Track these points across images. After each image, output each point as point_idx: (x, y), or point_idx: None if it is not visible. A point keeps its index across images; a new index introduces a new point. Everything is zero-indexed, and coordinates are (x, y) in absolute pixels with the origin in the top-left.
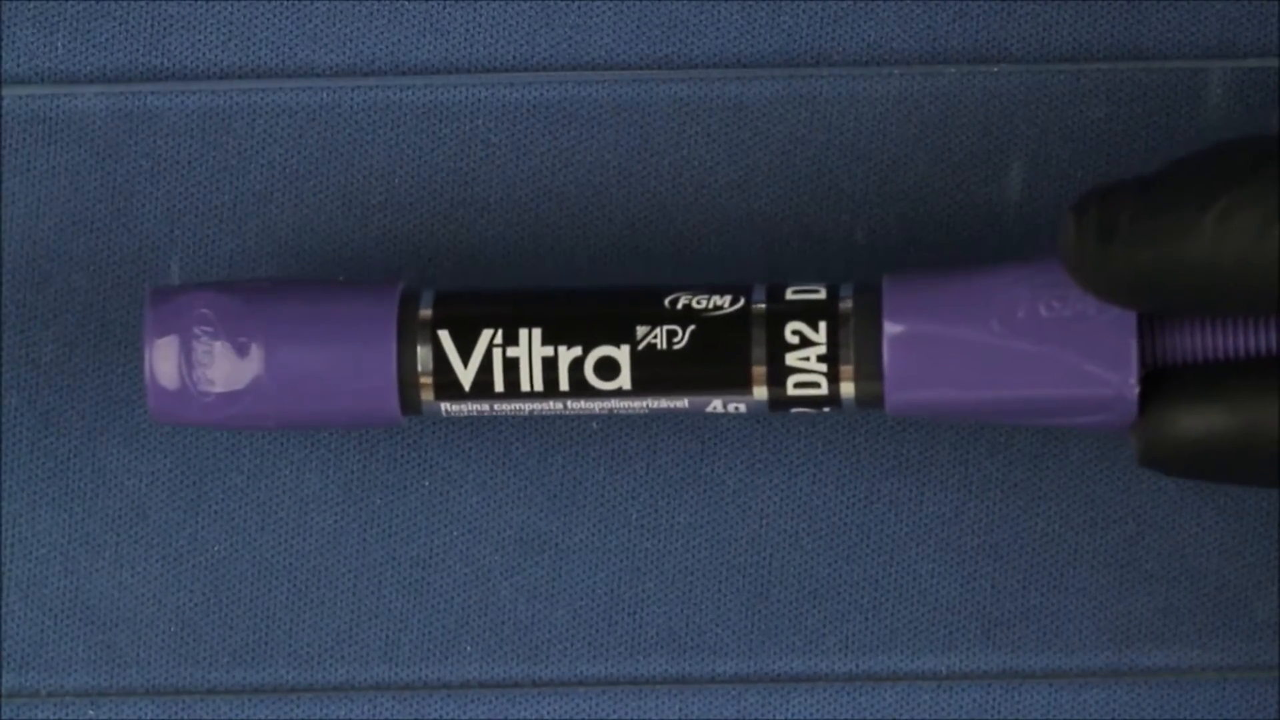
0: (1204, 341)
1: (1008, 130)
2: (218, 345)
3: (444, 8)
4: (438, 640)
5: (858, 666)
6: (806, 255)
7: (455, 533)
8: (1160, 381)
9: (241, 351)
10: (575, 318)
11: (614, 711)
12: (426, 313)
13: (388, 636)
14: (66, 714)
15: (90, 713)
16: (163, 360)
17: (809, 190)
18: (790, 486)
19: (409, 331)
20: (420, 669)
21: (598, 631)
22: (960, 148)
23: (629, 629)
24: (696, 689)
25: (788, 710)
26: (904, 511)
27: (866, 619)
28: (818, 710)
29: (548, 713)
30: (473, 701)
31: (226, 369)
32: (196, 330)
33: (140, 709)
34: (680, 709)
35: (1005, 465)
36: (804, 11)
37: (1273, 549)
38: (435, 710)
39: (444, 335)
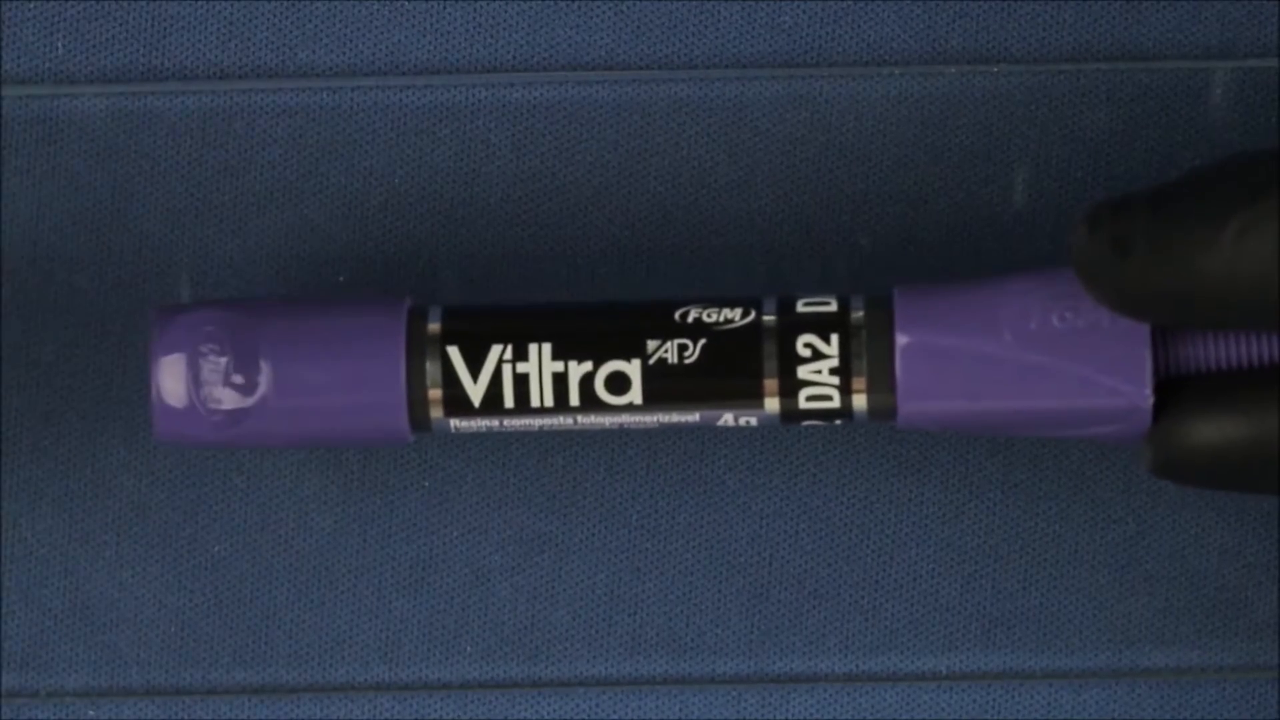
0: (1217, 351)
1: (1008, 130)
2: (225, 363)
3: (444, 8)
4: (438, 640)
5: (858, 666)
6: (807, 255)
7: (455, 533)
8: (1173, 391)
9: (249, 370)
10: (585, 332)
11: (614, 711)
12: (435, 328)
13: (388, 636)
14: (66, 714)
15: (90, 713)
16: (169, 378)
17: (809, 190)
18: (790, 486)
19: (417, 348)
20: (420, 669)
21: (598, 631)
22: (960, 148)
23: (629, 629)
24: (696, 689)
25: (788, 710)
26: (904, 511)
27: (866, 619)
28: (818, 710)
29: (548, 713)
30: (473, 701)
31: (234, 387)
32: (203, 348)
33: (140, 709)
34: (680, 709)
35: (1005, 465)
36: (804, 11)
37: (1273, 550)
38: (435, 710)
39: (453, 351)
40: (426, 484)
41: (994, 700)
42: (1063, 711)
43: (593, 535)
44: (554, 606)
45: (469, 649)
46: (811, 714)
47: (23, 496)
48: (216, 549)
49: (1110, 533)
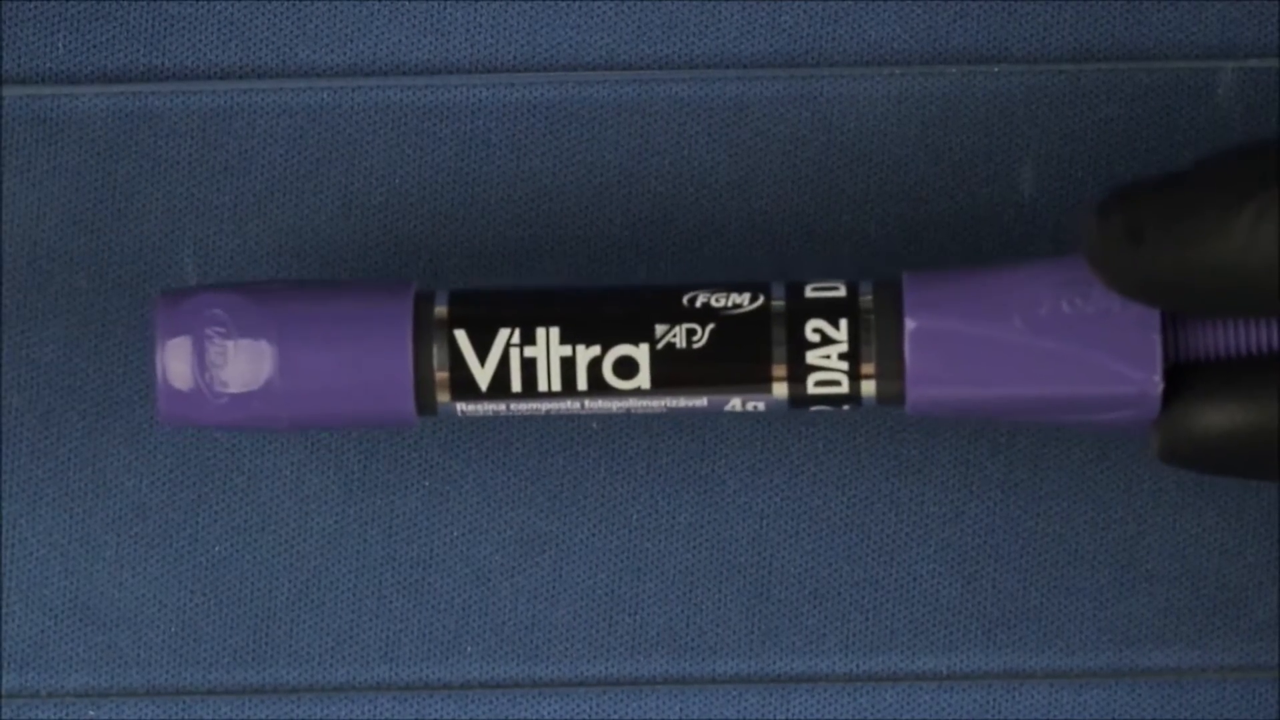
0: (1226, 338)
1: (1008, 130)
2: (231, 345)
3: (444, 8)
4: (438, 640)
5: (858, 666)
6: (807, 255)
7: (455, 533)
8: (1182, 378)
9: (255, 352)
10: (593, 317)
11: (614, 711)
12: (442, 311)
13: (388, 636)
14: (66, 714)
15: (90, 713)
16: (175, 361)
17: (809, 190)
18: (790, 486)
19: (425, 331)
20: (420, 669)
21: (598, 631)
22: (961, 148)
23: (629, 629)
24: (696, 689)
25: (788, 710)
26: (904, 511)
27: (866, 619)
28: (818, 710)
29: (548, 713)
30: (473, 701)
31: (240, 369)
32: (209, 331)
33: (140, 709)
34: (680, 709)
35: (1005, 465)
36: (804, 11)
37: (1273, 549)
38: (435, 710)
39: (460, 335)
40: (427, 484)
41: (994, 700)
42: (1063, 711)
43: (593, 535)
44: (554, 606)
45: (469, 649)
46: (811, 714)
47: (23, 496)
48: (216, 549)
49: (1111, 533)
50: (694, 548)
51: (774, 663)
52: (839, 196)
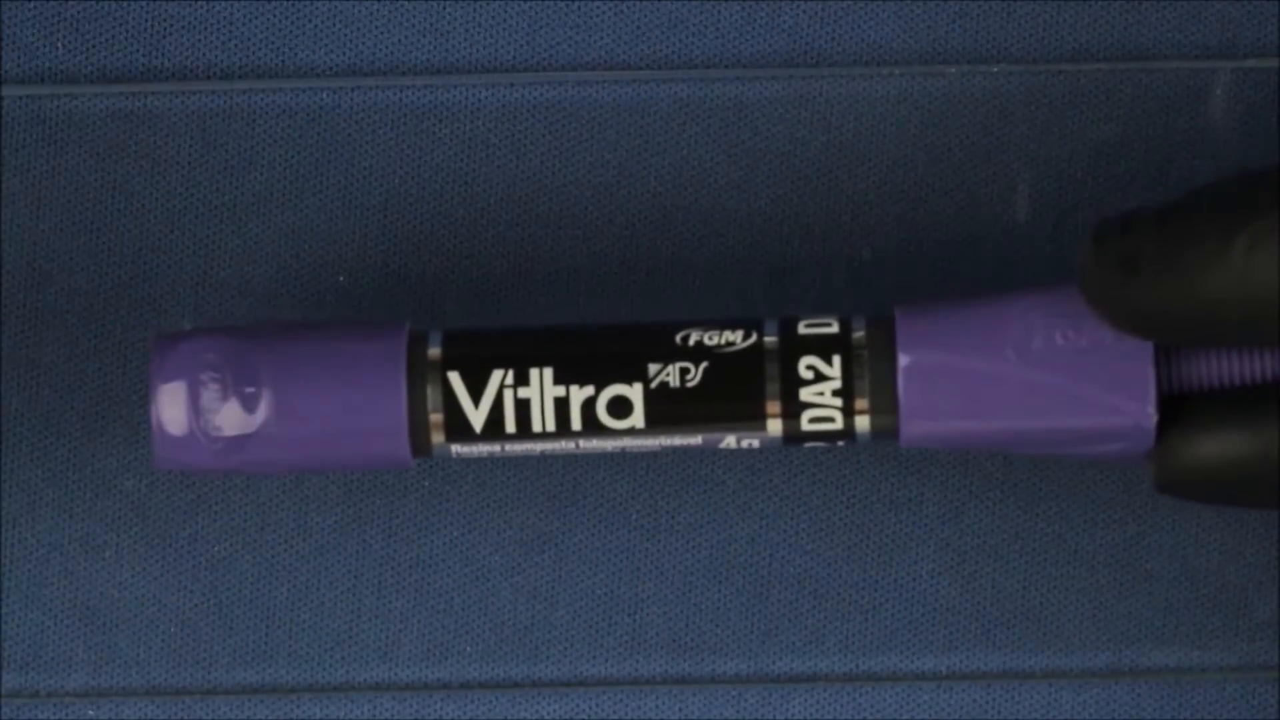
0: (1220, 368)
1: (1008, 131)
2: (225, 390)
3: (444, 8)
4: (438, 640)
5: (858, 666)
6: (807, 255)
7: (455, 533)
8: (1177, 408)
9: (249, 397)
10: (587, 357)
11: (614, 711)
12: (435, 353)
13: (388, 637)
14: (66, 714)
15: (90, 713)
16: (169, 407)
17: (809, 190)
18: (790, 486)
19: (418, 373)
20: (420, 669)
21: (598, 631)
22: (960, 148)
23: (629, 629)
24: (696, 689)
25: (788, 710)
26: (904, 511)
27: (866, 619)
28: (818, 710)
29: (548, 713)
30: (473, 701)
31: (234, 415)
32: (203, 376)
33: (140, 709)
34: (680, 709)
35: (1005, 466)
36: (804, 11)
37: (1273, 549)
38: (435, 710)
39: (454, 377)
40: (426, 484)
41: (994, 700)
42: (1063, 711)
43: (593, 535)
44: (554, 606)
45: (469, 649)
46: (811, 714)
47: (23, 497)
48: (216, 549)
49: (1110, 533)
50: (693, 548)
51: (774, 663)
52: (838, 196)
